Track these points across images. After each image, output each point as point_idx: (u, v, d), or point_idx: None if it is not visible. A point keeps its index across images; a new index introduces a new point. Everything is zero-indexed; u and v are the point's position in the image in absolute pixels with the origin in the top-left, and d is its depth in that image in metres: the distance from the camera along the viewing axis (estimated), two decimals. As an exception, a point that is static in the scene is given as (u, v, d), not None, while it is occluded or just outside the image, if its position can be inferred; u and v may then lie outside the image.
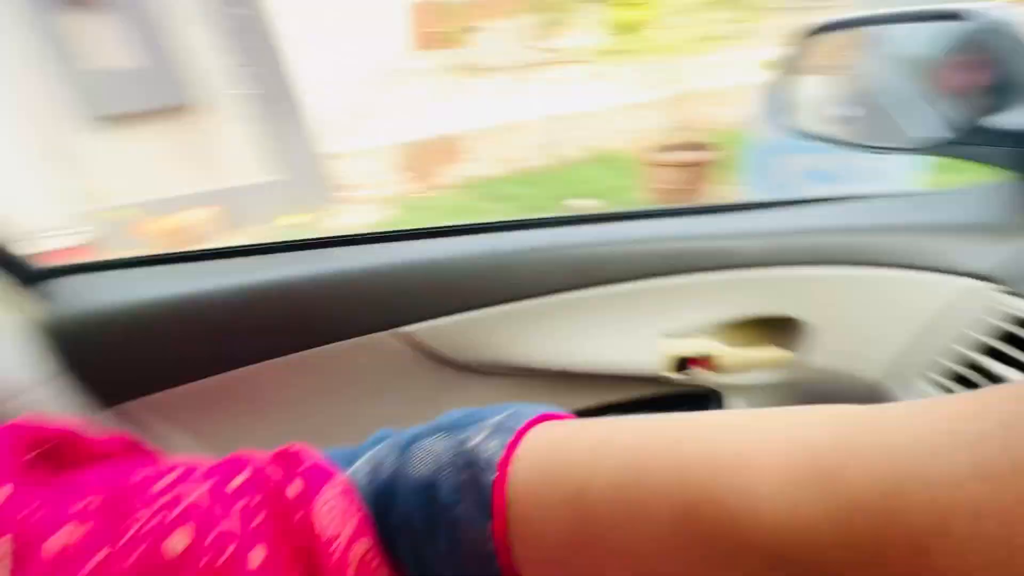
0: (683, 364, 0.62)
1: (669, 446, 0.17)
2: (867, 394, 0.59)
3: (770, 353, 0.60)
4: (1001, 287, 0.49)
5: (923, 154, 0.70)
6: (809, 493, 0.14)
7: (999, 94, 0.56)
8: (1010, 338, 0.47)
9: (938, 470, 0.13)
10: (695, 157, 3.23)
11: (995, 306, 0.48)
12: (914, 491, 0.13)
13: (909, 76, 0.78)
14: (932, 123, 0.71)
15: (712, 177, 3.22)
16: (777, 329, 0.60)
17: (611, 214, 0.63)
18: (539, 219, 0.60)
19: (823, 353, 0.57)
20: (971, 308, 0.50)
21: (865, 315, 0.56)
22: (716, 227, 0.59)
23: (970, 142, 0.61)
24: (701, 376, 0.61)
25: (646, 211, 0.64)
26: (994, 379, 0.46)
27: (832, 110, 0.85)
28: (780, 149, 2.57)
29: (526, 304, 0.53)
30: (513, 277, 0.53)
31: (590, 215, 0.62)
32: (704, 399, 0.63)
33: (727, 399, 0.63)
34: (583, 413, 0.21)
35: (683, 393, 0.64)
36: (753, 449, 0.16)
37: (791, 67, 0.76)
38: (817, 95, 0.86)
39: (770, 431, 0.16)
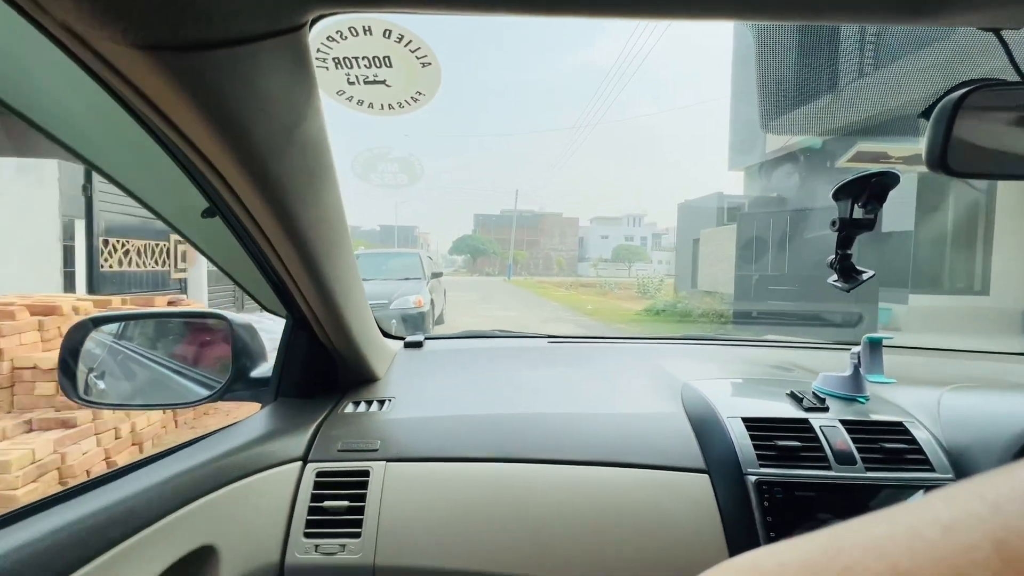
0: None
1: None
2: None
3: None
4: (309, 462, 0.81)
5: (202, 404, 0.95)
6: None
7: (246, 358, 0.93)
8: (322, 486, 0.79)
9: None
10: None
11: (309, 474, 0.80)
12: None
13: (163, 352, 1.02)
14: (194, 384, 0.99)
15: None
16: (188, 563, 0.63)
17: None
18: None
19: (234, 561, 0.67)
20: (295, 479, 0.79)
21: (263, 511, 0.73)
22: (112, 496, 0.57)
23: (235, 389, 0.94)
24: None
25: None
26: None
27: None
28: None
29: None
30: None
31: None
32: None
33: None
34: None
35: None
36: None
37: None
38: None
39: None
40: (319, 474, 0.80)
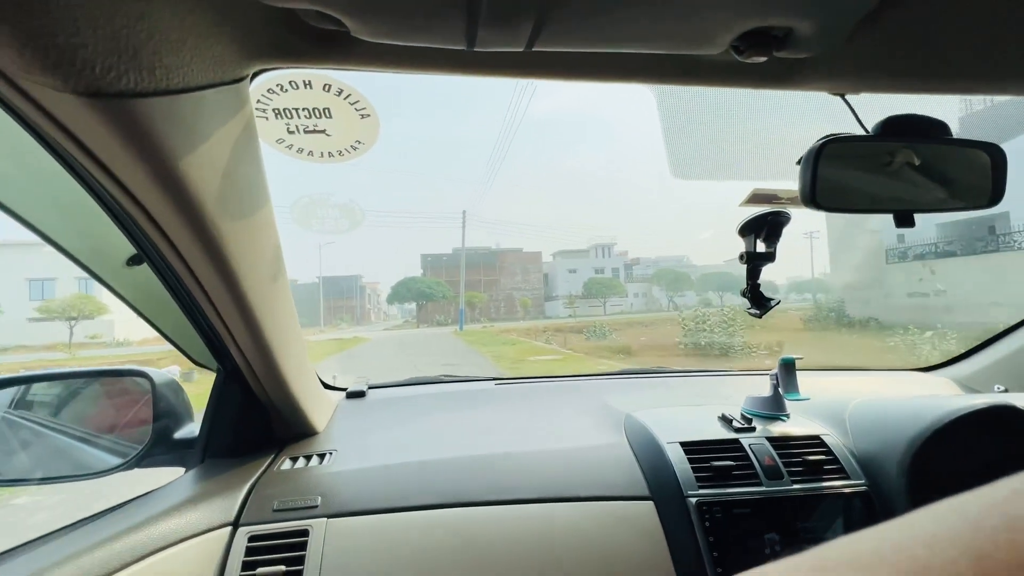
0: None
1: None
2: None
3: None
4: (240, 526, 0.74)
5: (114, 474, 0.86)
6: None
7: (169, 419, 0.86)
8: (256, 551, 0.72)
9: None
10: None
11: (240, 539, 0.73)
12: None
13: (69, 419, 0.92)
14: (105, 453, 0.90)
15: None
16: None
17: None
18: None
19: None
20: (224, 546, 0.72)
21: None
22: None
23: (155, 454, 0.86)
24: None
25: None
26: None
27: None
28: None
29: None
30: None
31: None
32: None
33: None
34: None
35: None
36: None
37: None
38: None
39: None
40: (252, 538, 0.73)
